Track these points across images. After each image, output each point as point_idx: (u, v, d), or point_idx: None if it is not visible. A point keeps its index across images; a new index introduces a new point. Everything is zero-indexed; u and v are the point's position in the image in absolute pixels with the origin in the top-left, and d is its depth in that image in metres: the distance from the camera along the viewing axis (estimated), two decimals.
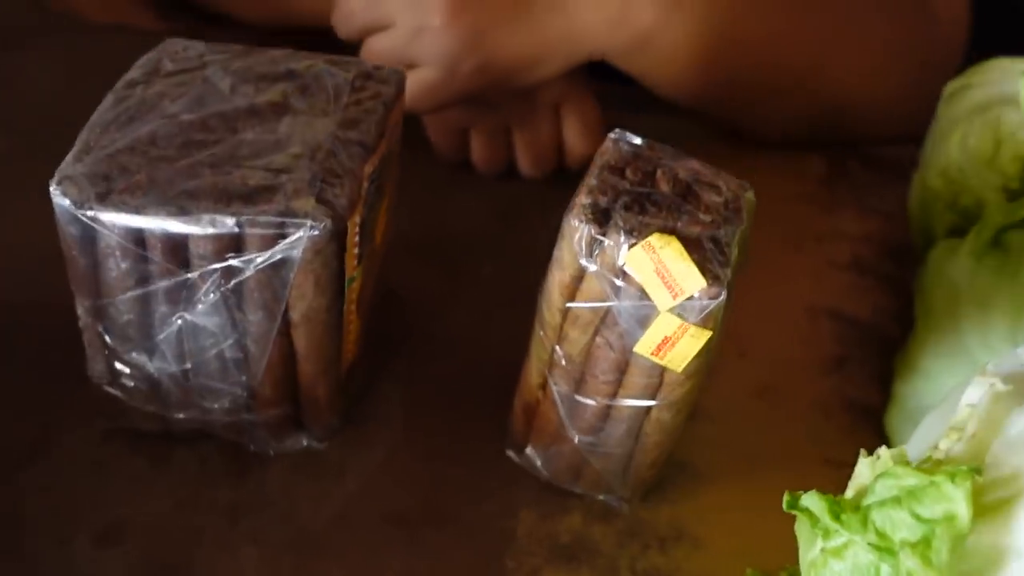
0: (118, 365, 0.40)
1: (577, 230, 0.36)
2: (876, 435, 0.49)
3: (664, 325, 0.35)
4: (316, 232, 0.36)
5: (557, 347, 0.39)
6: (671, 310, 0.35)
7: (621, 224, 0.35)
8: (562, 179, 0.62)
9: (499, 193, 0.62)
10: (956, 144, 0.58)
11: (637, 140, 0.39)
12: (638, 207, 0.36)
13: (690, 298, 0.34)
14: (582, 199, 0.36)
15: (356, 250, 0.39)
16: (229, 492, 0.43)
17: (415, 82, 0.52)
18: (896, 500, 0.30)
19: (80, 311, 0.39)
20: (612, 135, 0.40)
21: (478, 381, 0.49)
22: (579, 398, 0.40)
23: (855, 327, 0.56)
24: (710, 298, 0.34)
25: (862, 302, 0.58)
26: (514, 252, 0.57)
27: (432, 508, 0.43)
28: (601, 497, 0.44)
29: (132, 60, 0.41)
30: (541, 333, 0.39)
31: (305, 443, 0.44)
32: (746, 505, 0.45)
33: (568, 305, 0.37)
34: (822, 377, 0.53)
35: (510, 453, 0.45)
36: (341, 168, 0.38)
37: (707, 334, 0.35)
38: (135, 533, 0.41)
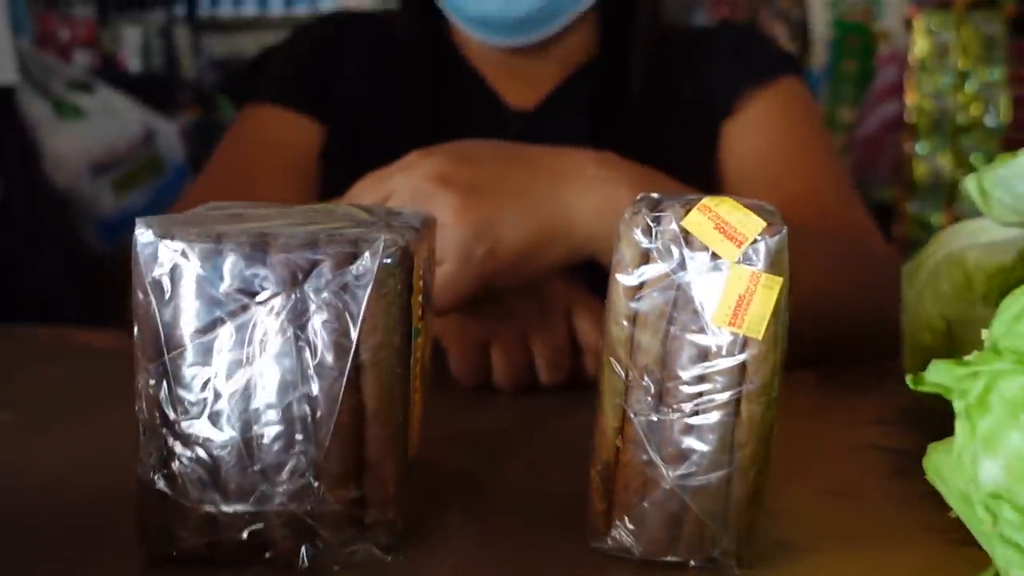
0: (177, 447, 0.37)
1: (633, 220, 0.38)
2: None
3: (736, 281, 0.36)
4: (389, 248, 0.37)
5: (631, 367, 0.38)
6: (739, 261, 0.36)
7: (675, 203, 0.38)
8: (578, 394, 0.63)
9: (519, 406, 0.62)
10: (931, 299, 0.63)
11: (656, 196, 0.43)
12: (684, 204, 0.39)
13: (754, 243, 0.36)
14: (630, 209, 0.39)
15: (420, 298, 0.40)
16: None
17: (437, 278, 0.56)
18: (1016, 318, 0.30)
19: (142, 383, 0.37)
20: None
21: (539, 511, 0.46)
22: (663, 417, 0.38)
23: (906, 455, 0.55)
24: (772, 236, 0.36)
25: (903, 440, 0.57)
26: (546, 445, 0.57)
27: None
28: (706, 564, 0.40)
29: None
30: (612, 360, 0.39)
31: (372, 552, 0.40)
32: (866, 571, 0.41)
33: (638, 296, 0.38)
34: (892, 481, 0.51)
35: (595, 545, 0.41)
36: (399, 230, 0.40)
37: (779, 280, 0.36)
38: None
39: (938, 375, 0.31)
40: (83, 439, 0.54)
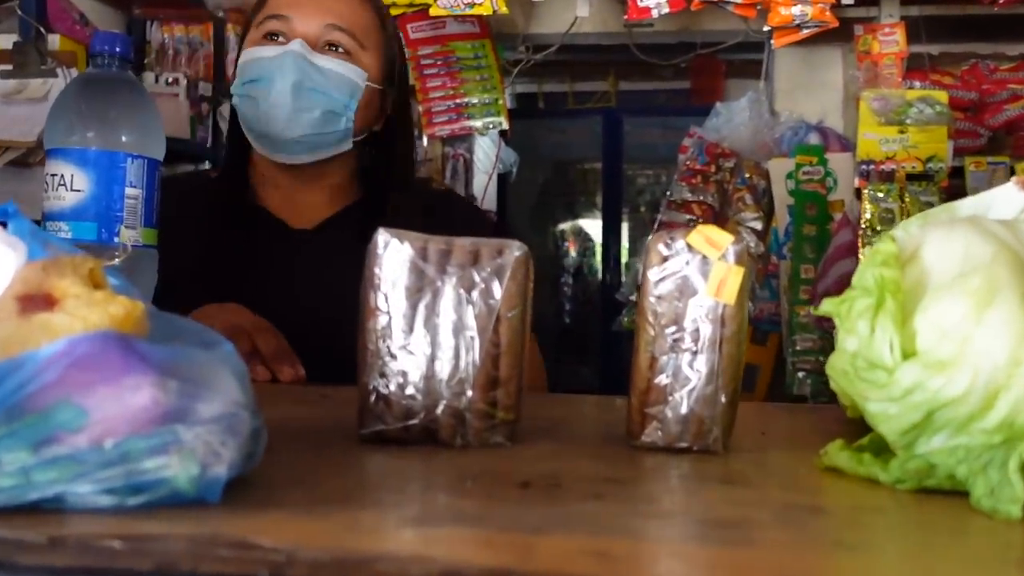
0: (389, 363, 0.63)
1: (657, 238, 0.66)
2: None
3: (718, 271, 0.64)
4: (519, 252, 0.64)
5: (656, 326, 0.65)
6: (720, 258, 0.64)
7: (680, 230, 0.66)
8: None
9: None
10: None
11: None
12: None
13: (727, 249, 0.64)
14: (656, 234, 0.67)
15: (531, 284, 0.67)
16: (453, 457, 0.62)
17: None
18: (862, 271, 0.58)
19: (371, 325, 0.64)
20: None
21: (597, 428, 0.71)
22: (675, 355, 0.64)
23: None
24: (736, 244, 0.64)
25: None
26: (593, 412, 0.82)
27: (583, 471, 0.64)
28: (704, 448, 0.65)
29: None
30: (645, 324, 0.66)
31: (497, 439, 0.65)
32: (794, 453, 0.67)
33: (660, 283, 0.65)
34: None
35: (634, 443, 0.66)
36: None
37: (742, 270, 0.63)
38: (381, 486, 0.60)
39: (827, 307, 0.58)
40: None
